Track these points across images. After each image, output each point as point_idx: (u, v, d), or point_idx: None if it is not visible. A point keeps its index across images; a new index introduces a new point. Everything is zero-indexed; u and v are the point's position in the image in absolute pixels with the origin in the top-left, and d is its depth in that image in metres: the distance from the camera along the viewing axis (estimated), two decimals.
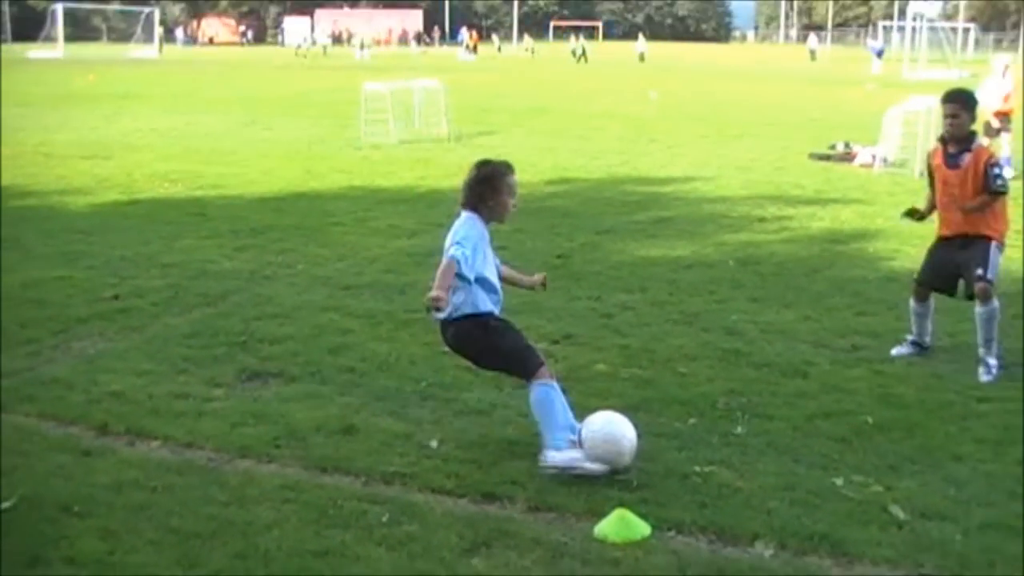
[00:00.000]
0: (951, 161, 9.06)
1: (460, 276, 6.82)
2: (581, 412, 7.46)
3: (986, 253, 8.97)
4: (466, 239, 6.86)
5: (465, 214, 7.04)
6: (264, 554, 5.68)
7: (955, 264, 9.16)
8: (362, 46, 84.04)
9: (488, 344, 7.06)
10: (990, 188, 8.92)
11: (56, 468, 6.72)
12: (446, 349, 7.56)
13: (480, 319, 7.03)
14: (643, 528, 6.02)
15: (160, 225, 14.67)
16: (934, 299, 9.48)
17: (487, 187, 7.01)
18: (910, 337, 9.50)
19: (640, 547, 5.85)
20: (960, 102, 9.03)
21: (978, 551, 5.88)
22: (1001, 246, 9.12)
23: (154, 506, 6.22)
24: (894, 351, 9.44)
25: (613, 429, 6.88)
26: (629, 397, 8.14)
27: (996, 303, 8.96)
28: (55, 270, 11.83)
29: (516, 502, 6.41)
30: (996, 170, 8.98)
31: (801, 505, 6.39)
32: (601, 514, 6.13)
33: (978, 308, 8.96)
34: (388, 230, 14.62)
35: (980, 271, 8.93)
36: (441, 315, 6.86)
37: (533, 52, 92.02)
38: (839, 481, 6.71)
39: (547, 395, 6.89)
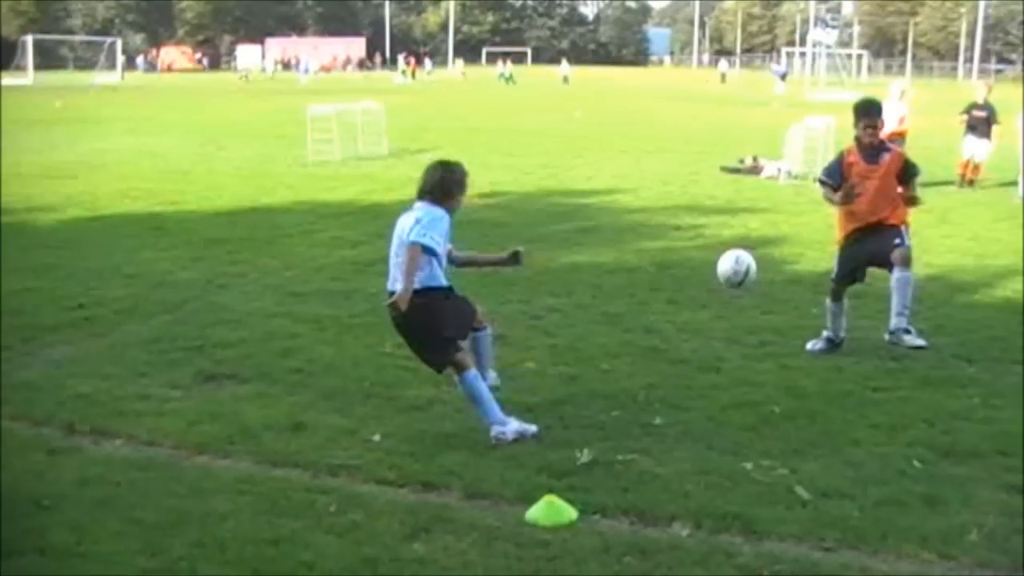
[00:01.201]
0: (870, 158, 9.23)
1: (427, 250, 6.95)
2: (512, 408, 7.51)
3: (900, 232, 9.19)
4: (432, 222, 7.00)
5: (425, 204, 7.14)
6: (221, 542, 5.65)
7: (867, 251, 9.29)
8: (306, 71, 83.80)
9: (446, 313, 7.17)
10: (910, 174, 9.30)
11: (27, 466, 6.66)
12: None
13: (442, 291, 7.18)
14: (570, 512, 6.04)
15: (122, 239, 14.51)
16: (847, 299, 9.58)
17: (457, 186, 7.29)
18: (825, 333, 9.56)
19: (568, 530, 5.87)
20: (868, 114, 9.27)
21: (873, 525, 5.96)
22: (907, 227, 9.31)
23: (118, 500, 6.17)
24: (809, 345, 9.51)
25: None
26: (557, 392, 8.17)
27: (911, 272, 9.16)
28: (25, 282, 11.66)
29: (453, 490, 6.42)
30: (910, 163, 9.39)
31: (715, 488, 6.44)
32: (532, 500, 6.14)
33: (897, 273, 9.06)
34: (333, 241, 14.55)
35: (898, 241, 9.12)
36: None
37: (465, 75, 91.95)
38: (749, 465, 6.77)
39: (475, 381, 7.11)
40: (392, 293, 7.11)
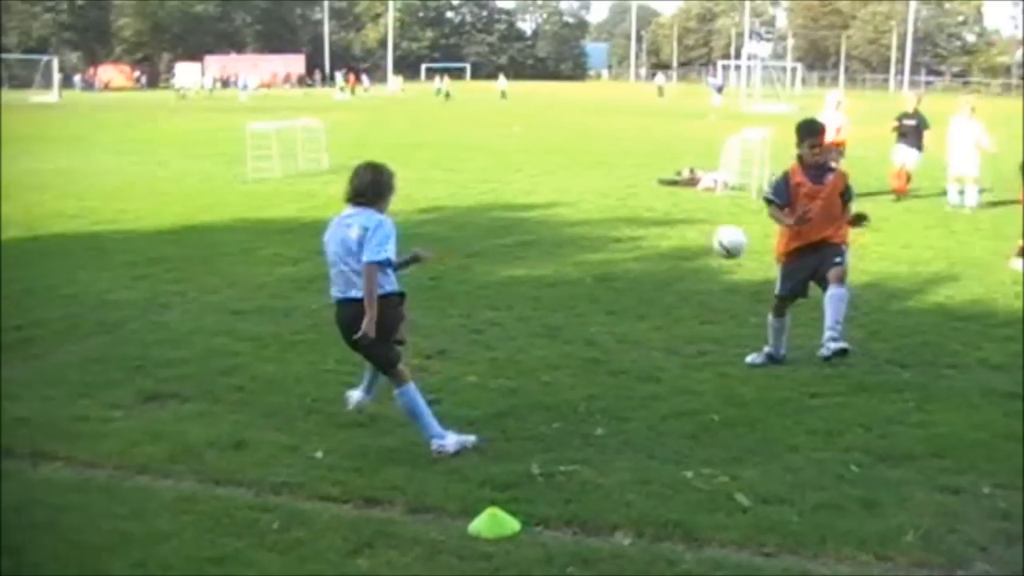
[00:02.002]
0: (815, 178, 9.31)
1: (385, 263, 7.02)
2: (453, 421, 7.52)
3: (840, 251, 9.33)
4: (383, 235, 6.98)
5: (368, 212, 7.12)
6: (163, 563, 5.60)
7: (809, 267, 9.37)
8: (245, 88, 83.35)
9: (396, 320, 7.25)
10: (848, 197, 9.44)
11: None
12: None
13: (396, 296, 7.23)
14: (513, 524, 6.05)
15: (60, 259, 14.33)
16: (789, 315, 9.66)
17: (388, 187, 7.24)
18: (766, 348, 9.61)
19: (511, 542, 5.88)
20: (813, 134, 9.39)
21: (812, 529, 6.02)
22: (847, 246, 9.49)
23: (58, 523, 6.09)
24: (749, 359, 9.55)
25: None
26: (498, 405, 8.17)
27: (847, 290, 9.29)
28: None
29: (396, 505, 6.41)
30: (849, 186, 9.53)
31: (656, 497, 6.47)
32: (474, 513, 6.14)
33: (832, 290, 9.16)
34: (274, 258, 14.47)
35: (837, 259, 9.25)
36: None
37: (404, 91, 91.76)
38: (689, 474, 6.82)
39: (413, 395, 7.16)
40: (342, 300, 7.14)
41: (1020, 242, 14.60)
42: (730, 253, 10.21)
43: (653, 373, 9.09)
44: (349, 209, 7.19)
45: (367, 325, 6.93)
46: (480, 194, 21.72)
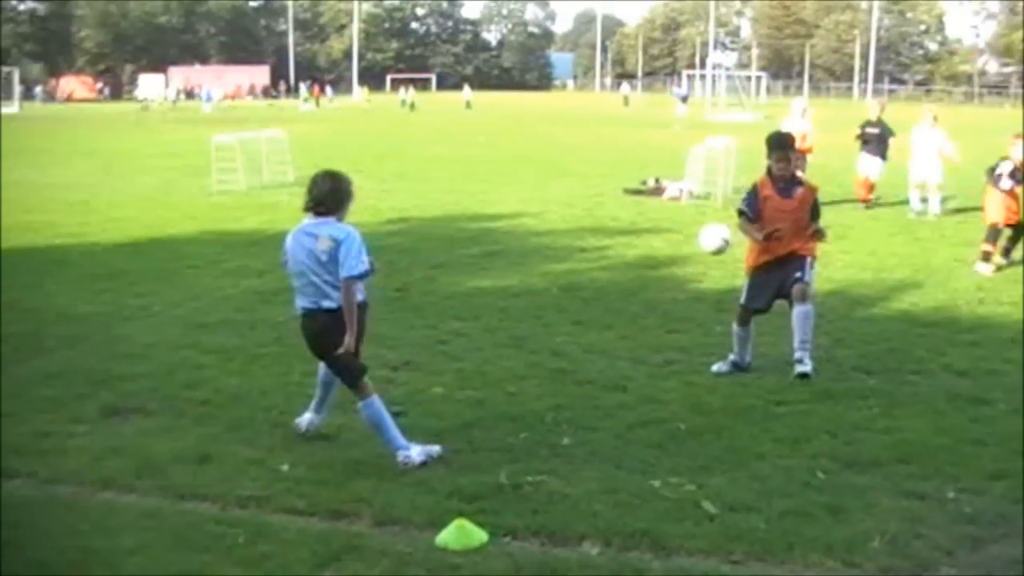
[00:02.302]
0: (784, 192, 9.33)
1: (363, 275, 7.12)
2: (419, 433, 7.52)
3: (804, 265, 9.35)
4: (356, 248, 7.02)
5: (332, 222, 7.13)
6: None
7: (775, 281, 9.39)
8: (208, 100, 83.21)
9: (364, 331, 7.32)
10: (817, 214, 9.43)
11: None
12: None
13: (364, 307, 7.31)
14: (481, 536, 6.03)
15: (22, 273, 14.17)
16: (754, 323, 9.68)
17: (348, 195, 7.26)
18: (731, 356, 9.63)
19: (478, 553, 5.87)
20: (781, 147, 9.41)
21: (779, 536, 6.05)
22: (814, 260, 9.54)
23: (19, 541, 6.02)
24: (714, 368, 9.57)
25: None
26: (464, 416, 8.16)
27: (812, 305, 9.29)
28: None
29: (363, 518, 6.38)
30: (818, 202, 9.54)
31: (623, 506, 6.48)
32: (442, 525, 6.13)
33: (797, 308, 9.21)
34: (239, 271, 14.39)
35: (799, 275, 9.28)
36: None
37: (369, 102, 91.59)
38: (657, 483, 6.83)
39: (378, 408, 7.18)
40: (313, 311, 7.14)
41: (983, 247, 14.78)
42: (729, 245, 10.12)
43: (619, 382, 9.10)
44: (310, 219, 7.19)
45: (348, 339, 7.01)
46: (445, 204, 21.71)
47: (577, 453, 7.41)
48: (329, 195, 7.17)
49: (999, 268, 14.70)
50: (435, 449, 7.27)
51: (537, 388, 8.94)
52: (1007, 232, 15.11)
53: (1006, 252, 15.17)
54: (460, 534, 6.01)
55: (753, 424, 8.05)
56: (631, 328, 11.05)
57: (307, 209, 7.22)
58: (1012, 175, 14.97)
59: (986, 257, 14.78)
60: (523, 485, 6.78)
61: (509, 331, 10.91)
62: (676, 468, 7.09)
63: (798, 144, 20.60)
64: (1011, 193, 15.04)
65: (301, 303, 7.22)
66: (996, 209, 15.08)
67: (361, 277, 7.08)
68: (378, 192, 23.47)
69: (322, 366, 7.55)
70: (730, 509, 6.44)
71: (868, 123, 21.63)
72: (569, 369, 9.53)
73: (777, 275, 9.40)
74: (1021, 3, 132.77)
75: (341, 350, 7.05)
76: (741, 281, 13.23)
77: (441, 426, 7.91)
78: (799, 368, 9.10)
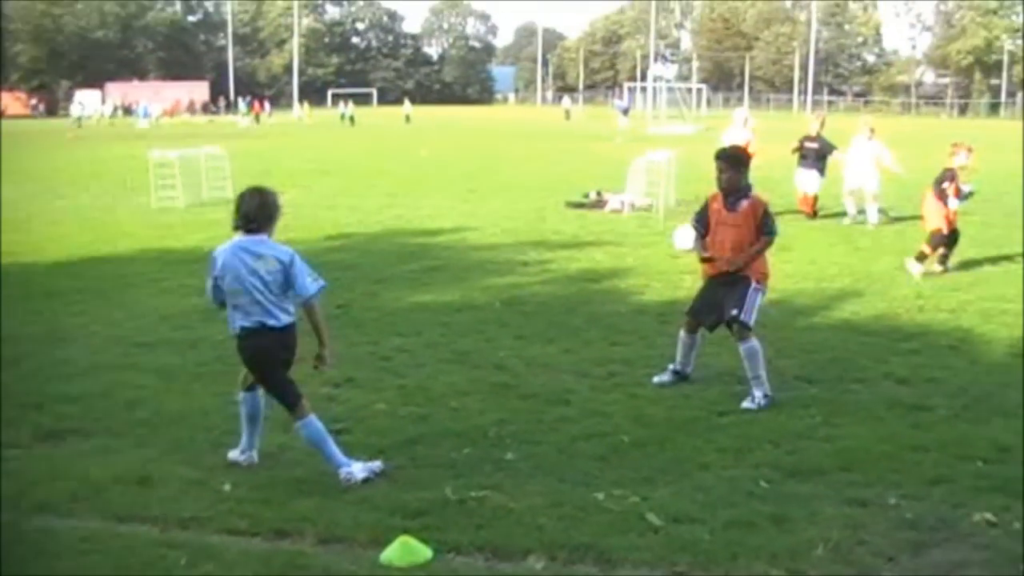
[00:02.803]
0: (729, 206, 9.23)
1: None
2: (362, 450, 7.49)
3: (745, 293, 9.10)
4: (303, 265, 7.16)
5: (267, 240, 7.17)
6: None
7: (719, 297, 9.24)
8: (145, 116, 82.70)
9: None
10: (765, 230, 9.19)
11: None
12: (237, 399, 7.44)
13: (293, 325, 7.32)
14: (425, 552, 6.02)
15: None
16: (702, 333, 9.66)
17: (277, 210, 7.27)
18: (672, 366, 9.64)
19: (423, 569, 5.86)
20: (724, 160, 9.32)
21: (723, 547, 6.08)
22: (761, 288, 9.24)
23: None
24: (655, 379, 9.58)
25: None
26: (407, 432, 8.14)
27: (754, 342, 9.06)
28: None
29: (306, 536, 6.34)
30: (768, 219, 9.28)
31: (568, 520, 6.48)
32: (386, 542, 6.11)
33: (741, 347, 9.08)
34: (179, 289, 14.25)
35: (735, 311, 9.06)
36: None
37: (310, 117, 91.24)
38: (601, 496, 6.84)
39: (317, 426, 7.20)
40: (257, 329, 7.10)
41: (923, 248, 15.11)
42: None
43: (563, 396, 9.12)
44: (242, 236, 7.17)
45: (329, 356, 7.28)
46: (387, 220, 21.65)
47: (521, 467, 7.41)
48: (258, 211, 7.16)
49: (937, 273, 15.14)
50: (377, 465, 7.25)
51: (480, 403, 8.93)
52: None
53: (943, 259, 15.45)
54: (404, 551, 5.99)
55: (696, 435, 8.10)
56: (574, 341, 11.07)
57: (237, 227, 7.21)
58: (958, 194, 15.31)
59: (921, 257, 15.18)
60: (467, 500, 6.77)
61: (451, 346, 10.90)
62: (620, 480, 7.11)
63: None
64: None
65: (241, 322, 7.16)
66: (937, 216, 15.36)
67: (319, 293, 7.22)
68: (319, 208, 23.41)
69: (244, 401, 7.50)
70: (674, 520, 6.47)
71: (807, 137, 21.74)
72: (512, 383, 9.53)
73: (720, 293, 9.23)
74: (956, 15, 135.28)
75: (325, 367, 7.34)
76: (684, 293, 13.37)
77: (384, 443, 7.88)
78: (744, 403, 8.92)
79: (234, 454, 7.59)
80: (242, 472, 7.39)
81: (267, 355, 7.17)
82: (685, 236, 10.01)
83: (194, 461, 7.61)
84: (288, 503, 6.80)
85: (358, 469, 7.12)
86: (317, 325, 7.21)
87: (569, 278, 14.82)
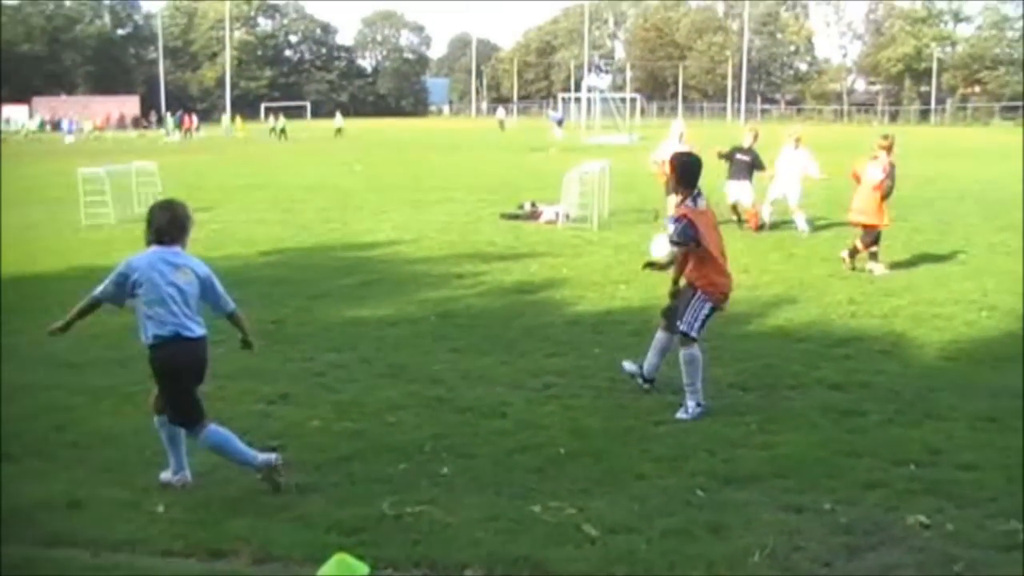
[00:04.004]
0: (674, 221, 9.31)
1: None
2: (297, 467, 7.47)
3: (688, 302, 9.16)
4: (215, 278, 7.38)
5: (182, 253, 7.29)
6: None
7: (676, 306, 9.39)
8: (70, 131, 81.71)
9: None
10: (679, 241, 9.19)
11: None
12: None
13: (204, 339, 7.43)
14: (362, 568, 5.92)
15: None
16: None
17: (189, 221, 7.41)
18: (640, 361, 9.70)
19: None
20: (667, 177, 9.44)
21: (660, 556, 6.12)
22: (707, 296, 9.16)
23: None
24: (625, 365, 9.81)
25: None
26: (343, 449, 8.09)
27: (694, 350, 9.08)
28: None
29: (241, 556, 6.29)
30: (672, 225, 9.26)
31: (505, 533, 6.49)
32: (322, 559, 5.94)
33: (680, 353, 9.13)
34: (109, 307, 14.03)
35: (679, 320, 9.15)
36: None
37: (243, 131, 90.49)
38: (537, 508, 6.85)
39: (217, 432, 7.29)
40: (166, 338, 7.14)
41: (869, 250, 16.03)
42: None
43: (499, 408, 9.12)
44: (157, 248, 7.26)
45: (254, 343, 7.67)
46: (322, 234, 21.53)
47: (457, 481, 7.41)
48: (170, 224, 7.27)
49: (851, 268, 16.06)
50: (273, 457, 7.26)
51: (416, 417, 8.92)
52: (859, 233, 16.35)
53: (852, 254, 16.25)
54: (340, 568, 5.89)
55: (632, 445, 8.14)
56: (509, 353, 11.09)
57: (152, 241, 7.30)
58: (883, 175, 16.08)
59: (874, 256, 16.05)
60: (403, 516, 6.75)
61: (387, 360, 10.87)
62: (556, 492, 7.13)
63: None
64: (876, 188, 16.12)
65: (156, 331, 7.19)
66: (872, 213, 16.14)
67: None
68: (253, 223, 23.26)
69: (162, 424, 7.46)
70: (611, 531, 6.49)
71: (739, 149, 21.79)
72: (448, 397, 9.52)
73: (678, 298, 9.38)
74: (886, 23, 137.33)
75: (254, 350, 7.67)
76: (619, 304, 13.48)
77: (319, 459, 7.84)
78: (677, 413, 8.95)
79: (166, 475, 7.51)
80: (175, 493, 7.31)
81: (180, 366, 7.19)
82: (663, 246, 9.91)
83: (126, 483, 7.52)
84: (222, 523, 6.74)
85: (261, 459, 7.21)
86: (242, 324, 7.58)
87: (504, 290, 14.83)
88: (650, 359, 9.67)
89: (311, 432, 8.55)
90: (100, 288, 7.47)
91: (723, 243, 9.44)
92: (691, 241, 9.07)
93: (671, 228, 9.28)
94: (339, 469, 7.66)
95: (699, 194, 9.27)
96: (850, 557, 6.16)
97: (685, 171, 9.38)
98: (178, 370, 7.21)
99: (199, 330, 7.23)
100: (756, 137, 22.50)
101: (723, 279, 9.28)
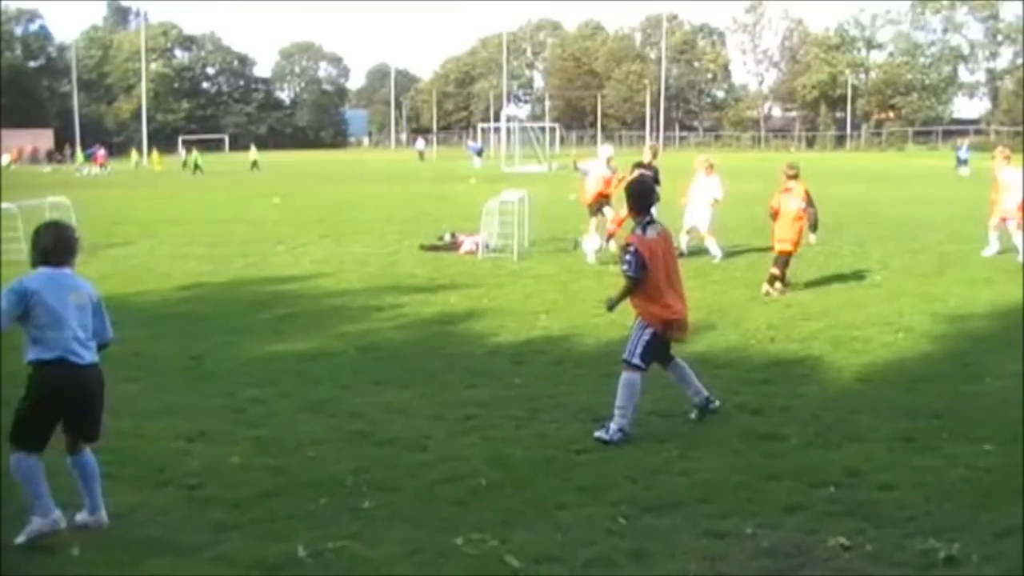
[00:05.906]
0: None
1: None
2: (217, 504, 7.40)
3: (632, 330, 9.40)
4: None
5: (74, 275, 7.15)
6: None
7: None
8: None
9: None
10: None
11: None
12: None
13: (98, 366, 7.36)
14: None
15: None
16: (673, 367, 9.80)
17: (76, 243, 7.22)
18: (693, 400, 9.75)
19: None
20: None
21: None
22: (645, 323, 9.33)
23: None
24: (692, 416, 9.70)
25: None
26: (263, 485, 8.01)
27: (633, 375, 9.18)
28: None
29: None
30: (625, 254, 9.39)
31: (427, 566, 6.49)
32: None
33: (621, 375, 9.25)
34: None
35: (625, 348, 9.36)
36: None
37: (160, 164, 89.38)
38: (459, 540, 6.84)
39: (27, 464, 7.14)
40: (49, 361, 7.00)
41: (771, 271, 16.52)
42: None
43: (420, 441, 9.11)
44: (46, 269, 7.03)
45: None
46: (240, 268, 21.32)
47: (379, 515, 7.37)
48: (57, 245, 7.09)
49: (781, 293, 16.26)
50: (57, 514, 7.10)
51: (337, 451, 8.86)
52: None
53: (773, 280, 16.56)
54: None
55: (554, 475, 8.16)
56: (430, 385, 11.07)
57: (38, 263, 7.07)
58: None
59: (772, 280, 16.43)
60: (324, 552, 6.71)
61: (307, 395, 10.79)
62: (479, 524, 7.13)
63: (601, 189, 21.26)
64: (798, 219, 16.63)
65: (41, 355, 7.02)
66: (796, 242, 16.73)
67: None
68: (170, 258, 23.01)
69: (74, 464, 7.36)
70: (534, 561, 6.51)
71: (640, 164, 21.75)
72: (368, 430, 9.47)
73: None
74: (801, 51, 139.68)
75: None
76: (538, 333, 13.52)
77: (240, 496, 7.76)
78: (597, 432, 9.05)
79: (82, 516, 7.37)
80: (91, 534, 7.18)
81: (58, 390, 7.00)
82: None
83: None
84: (140, 563, 6.65)
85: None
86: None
87: (424, 322, 14.82)
88: (689, 390, 9.73)
89: (231, 469, 8.46)
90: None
91: (676, 269, 9.61)
92: (642, 274, 9.20)
93: (624, 259, 9.41)
94: (260, 505, 7.59)
95: (651, 222, 9.43)
96: None
97: (637, 197, 9.67)
98: (54, 395, 7.01)
99: (89, 356, 7.04)
100: (655, 153, 22.88)
101: (661, 308, 9.37)
